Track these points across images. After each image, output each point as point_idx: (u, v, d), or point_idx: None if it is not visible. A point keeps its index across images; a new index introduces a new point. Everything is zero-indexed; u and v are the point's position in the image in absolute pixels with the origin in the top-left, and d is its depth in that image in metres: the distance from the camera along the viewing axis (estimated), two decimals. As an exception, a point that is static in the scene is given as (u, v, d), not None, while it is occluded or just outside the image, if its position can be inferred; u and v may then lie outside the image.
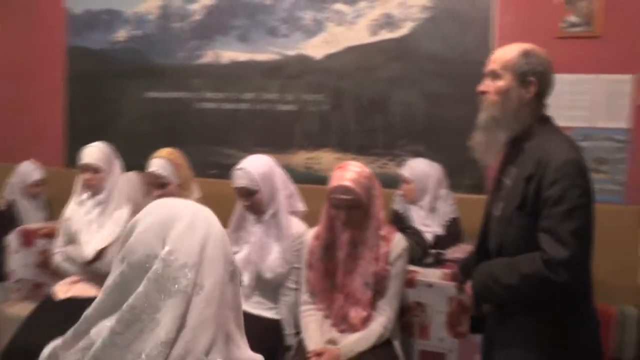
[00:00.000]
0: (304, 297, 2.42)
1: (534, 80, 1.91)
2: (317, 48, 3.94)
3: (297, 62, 3.98)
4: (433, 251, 3.00)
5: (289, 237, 2.52)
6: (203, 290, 1.08)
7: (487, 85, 1.96)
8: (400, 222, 3.18)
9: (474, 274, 1.98)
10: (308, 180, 3.89)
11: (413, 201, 3.32)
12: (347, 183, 2.22)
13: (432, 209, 3.31)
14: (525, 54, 1.92)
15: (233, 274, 1.16)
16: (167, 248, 1.08)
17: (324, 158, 3.96)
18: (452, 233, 3.25)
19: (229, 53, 4.12)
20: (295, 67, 3.98)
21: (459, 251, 2.98)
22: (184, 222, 1.11)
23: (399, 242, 2.38)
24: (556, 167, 1.76)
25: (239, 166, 2.58)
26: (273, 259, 2.49)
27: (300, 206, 2.76)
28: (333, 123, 3.94)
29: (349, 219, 2.25)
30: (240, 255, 2.54)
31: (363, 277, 2.28)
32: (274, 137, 4.04)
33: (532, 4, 3.66)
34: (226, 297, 1.13)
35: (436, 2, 3.77)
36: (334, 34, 3.91)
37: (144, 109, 4.38)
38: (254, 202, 2.55)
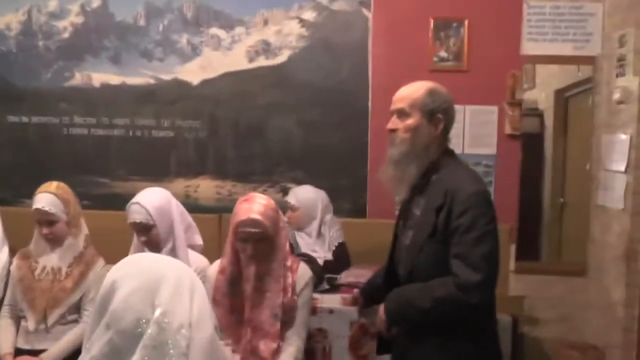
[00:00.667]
0: None
1: (441, 117, 2.00)
2: (193, 73, 3.85)
3: (172, 87, 3.86)
4: (326, 276, 3.03)
5: None
6: (197, 350, 1.06)
7: (396, 123, 2.03)
8: (288, 250, 3.20)
9: (387, 298, 2.06)
10: (188, 209, 3.78)
11: (300, 228, 3.35)
12: (256, 216, 2.18)
13: (319, 235, 3.34)
14: (431, 93, 2.01)
15: (216, 326, 1.15)
16: (158, 311, 1.04)
17: (202, 186, 3.90)
18: (341, 258, 3.30)
19: (100, 75, 3.89)
20: (171, 93, 3.86)
21: (352, 275, 3.05)
22: (170, 282, 1.08)
23: (304, 271, 2.40)
24: (464, 198, 1.87)
25: (133, 200, 2.49)
26: None
27: (199, 239, 2.73)
28: (211, 150, 3.88)
29: (255, 252, 2.22)
30: None
31: (271, 309, 2.26)
32: (149, 164, 3.91)
33: (405, 38, 3.78)
34: (219, 351, 1.13)
35: (312, 32, 3.80)
36: (210, 59, 3.83)
37: (3, 136, 3.99)
38: (150, 237, 2.47)
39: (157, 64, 3.86)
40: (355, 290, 2.72)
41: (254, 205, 2.22)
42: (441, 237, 1.90)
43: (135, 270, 1.11)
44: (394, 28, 3.78)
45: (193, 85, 3.84)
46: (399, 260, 2.12)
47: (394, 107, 2.05)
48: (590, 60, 3.69)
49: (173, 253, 2.47)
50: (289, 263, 2.32)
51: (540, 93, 3.89)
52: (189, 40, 3.85)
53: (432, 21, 3.75)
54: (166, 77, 3.86)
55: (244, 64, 3.82)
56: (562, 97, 3.90)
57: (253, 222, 2.17)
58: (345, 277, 3.06)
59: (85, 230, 2.72)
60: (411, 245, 2.00)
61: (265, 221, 2.19)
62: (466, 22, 3.73)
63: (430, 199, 1.96)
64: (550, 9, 3.69)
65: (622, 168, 3.36)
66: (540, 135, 3.95)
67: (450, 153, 2.07)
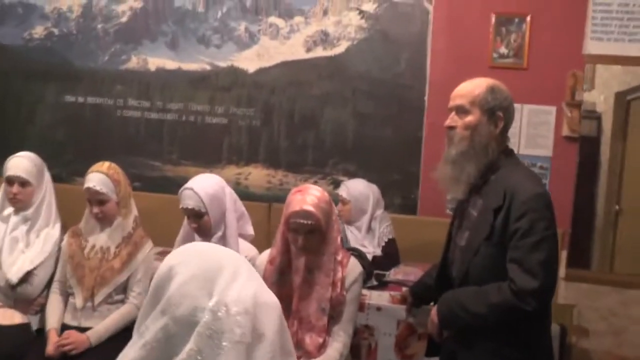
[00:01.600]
0: None
1: (501, 115, 1.95)
2: (249, 61, 3.83)
3: (228, 74, 3.85)
4: (375, 272, 2.98)
5: None
6: (265, 339, 1.04)
7: (455, 120, 1.98)
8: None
9: (440, 301, 2.02)
10: (238, 196, 3.78)
11: (350, 222, 3.30)
12: (309, 207, 2.15)
13: (369, 230, 3.29)
14: (492, 90, 1.96)
15: (283, 318, 1.12)
16: (214, 299, 1.02)
17: (253, 174, 3.86)
18: (390, 254, 3.24)
19: (156, 60, 3.92)
20: (226, 79, 3.86)
21: (400, 272, 3.01)
22: (228, 272, 1.07)
23: (354, 267, 2.35)
24: (524, 200, 1.82)
25: (187, 186, 2.45)
26: None
27: (250, 229, 2.68)
28: (263, 138, 3.85)
29: (307, 244, 2.18)
30: None
31: (319, 303, 2.23)
32: (201, 150, 3.90)
33: (466, 32, 3.73)
34: (288, 343, 1.10)
35: (371, 23, 3.77)
36: (267, 48, 3.82)
37: (60, 114, 4.06)
38: (201, 224, 2.44)
39: (214, 51, 3.88)
40: (404, 289, 2.68)
41: (308, 196, 2.19)
42: (498, 239, 1.86)
43: (193, 258, 1.10)
44: (454, 22, 3.73)
45: (249, 73, 3.83)
46: (452, 261, 2.07)
47: (453, 103, 2.01)
48: (658, 61, 3.61)
49: (223, 241, 2.44)
50: (339, 257, 2.29)
51: (599, 95, 3.80)
52: (247, 28, 3.85)
53: (493, 16, 3.70)
54: (222, 64, 3.87)
55: (301, 54, 3.80)
56: (624, 100, 3.80)
57: (306, 214, 2.14)
58: (394, 274, 3.03)
59: (135, 211, 2.68)
60: (467, 247, 1.96)
61: (317, 213, 2.16)
62: (528, 18, 3.67)
63: (488, 200, 1.91)
64: (618, 7, 3.62)
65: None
66: (597, 139, 3.85)
67: (510, 153, 2.02)
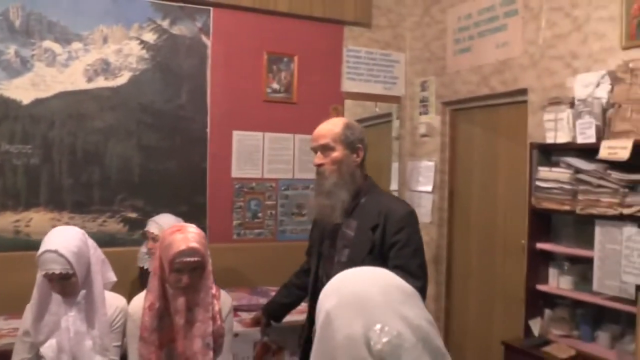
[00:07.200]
0: None
1: (361, 146, 2.26)
2: (22, 90, 3.39)
3: (-4, 105, 3.33)
4: None
5: (105, 318, 2.21)
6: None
7: (322, 158, 2.24)
8: (150, 280, 3.09)
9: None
10: (19, 246, 3.39)
11: None
12: (194, 245, 2.12)
13: None
14: (349, 127, 2.25)
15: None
16: (378, 330, 1.02)
17: (35, 219, 3.44)
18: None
19: None
20: (-5, 111, 3.33)
21: (236, 298, 3.12)
22: (378, 299, 1.08)
23: (225, 298, 2.40)
24: (400, 217, 2.17)
25: (47, 248, 2.10)
26: (90, 346, 2.13)
27: (112, 276, 2.42)
28: (43, 178, 3.46)
29: (191, 282, 2.15)
30: (50, 344, 2.13)
31: (203, 339, 2.21)
32: None
33: (242, 68, 4.01)
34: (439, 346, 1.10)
35: (153, 54, 3.75)
36: (43, 76, 3.44)
37: None
38: (67, 286, 2.14)
39: None
40: (255, 313, 2.86)
41: (189, 234, 2.19)
42: (378, 252, 2.16)
43: (340, 297, 1.11)
44: (231, 58, 3.98)
45: (23, 105, 3.38)
46: (331, 276, 2.29)
47: (316, 143, 2.27)
48: (396, 99, 4.41)
49: (90, 297, 2.21)
50: (213, 291, 2.32)
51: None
52: (17, 51, 3.38)
53: (265, 55, 4.05)
54: None
55: (82, 84, 3.54)
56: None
57: (192, 251, 2.14)
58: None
59: None
60: (349, 262, 2.16)
61: (202, 249, 2.18)
62: (296, 58, 4.12)
63: (363, 220, 2.21)
64: (365, 54, 4.32)
65: (429, 189, 4.12)
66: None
67: (368, 178, 2.34)
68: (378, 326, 1.03)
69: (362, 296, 1.09)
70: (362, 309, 1.06)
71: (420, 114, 4.26)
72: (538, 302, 3.10)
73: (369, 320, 1.04)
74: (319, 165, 2.26)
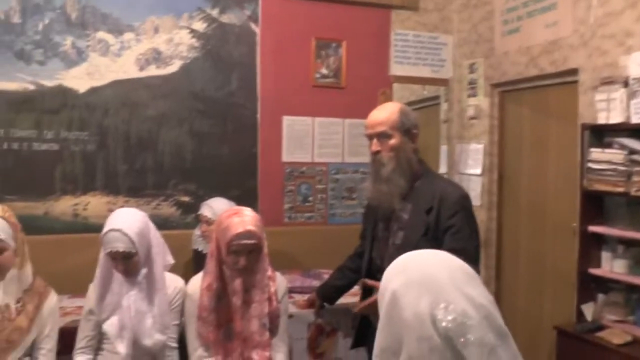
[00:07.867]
0: (198, 352, 2.27)
1: (416, 132, 2.26)
2: (78, 80, 3.52)
3: (56, 94, 3.47)
4: None
5: (165, 297, 2.30)
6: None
7: (379, 145, 2.23)
8: (204, 262, 3.16)
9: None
10: (77, 229, 3.53)
11: None
12: (251, 227, 2.17)
13: None
14: (404, 113, 2.25)
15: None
16: (442, 310, 1.04)
17: (92, 203, 3.57)
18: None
19: (-36, 78, 3.32)
20: (54, 100, 3.47)
21: (289, 281, 3.12)
22: (444, 280, 1.09)
23: (281, 280, 2.46)
24: (454, 201, 2.17)
25: (112, 227, 2.18)
26: (150, 324, 2.24)
27: (170, 258, 2.50)
28: (100, 164, 3.59)
29: (248, 264, 2.21)
30: (112, 322, 2.23)
31: (259, 319, 2.27)
32: (29, 182, 3.44)
33: (290, 54, 4.04)
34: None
35: (203, 43, 3.81)
36: (97, 66, 3.57)
37: None
38: (130, 265, 2.22)
39: (37, 68, 3.42)
40: (308, 295, 2.90)
41: (245, 217, 2.24)
42: (432, 235, 2.16)
43: (406, 277, 1.13)
44: (280, 44, 4.01)
45: (80, 93, 3.51)
46: (384, 257, 2.30)
47: (372, 131, 2.26)
48: (444, 82, 4.38)
49: (150, 277, 2.29)
50: (269, 272, 2.37)
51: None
52: (73, 43, 3.51)
53: (314, 41, 4.07)
54: (48, 82, 3.45)
55: (134, 72, 3.64)
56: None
57: (249, 234, 2.19)
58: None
59: (29, 260, 2.26)
60: (404, 244, 2.18)
61: (259, 232, 2.23)
62: (344, 44, 4.13)
63: (418, 203, 2.22)
64: (413, 37, 4.29)
65: (478, 171, 4.08)
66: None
67: (423, 162, 2.34)
68: (443, 304, 1.05)
69: (428, 276, 1.12)
70: (429, 288, 1.09)
71: (469, 96, 4.21)
72: (590, 286, 3.05)
73: (435, 299, 1.07)
74: (376, 153, 2.25)
